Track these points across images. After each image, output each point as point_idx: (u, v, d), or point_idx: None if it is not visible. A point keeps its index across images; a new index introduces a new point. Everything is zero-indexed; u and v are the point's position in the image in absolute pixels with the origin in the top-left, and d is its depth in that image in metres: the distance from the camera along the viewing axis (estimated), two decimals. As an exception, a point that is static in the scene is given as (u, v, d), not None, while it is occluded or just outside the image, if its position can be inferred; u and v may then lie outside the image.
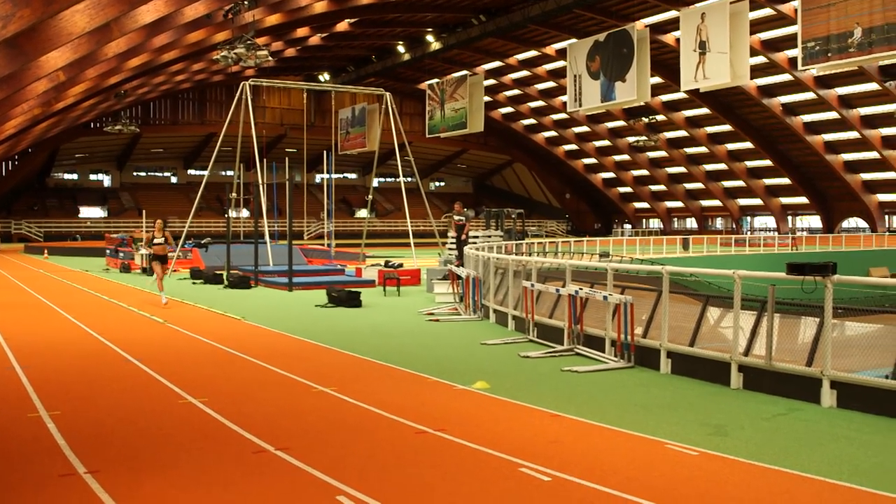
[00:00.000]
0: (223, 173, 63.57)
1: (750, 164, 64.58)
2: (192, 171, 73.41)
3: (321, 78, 62.36)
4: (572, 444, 7.40)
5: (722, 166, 65.94)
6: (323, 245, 40.70)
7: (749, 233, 66.33)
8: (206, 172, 34.43)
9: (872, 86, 49.28)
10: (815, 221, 65.82)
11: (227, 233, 29.93)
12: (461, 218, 23.38)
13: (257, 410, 8.70)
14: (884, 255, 44.44)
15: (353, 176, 79.70)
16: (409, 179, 36.61)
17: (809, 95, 53.11)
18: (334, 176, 45.69)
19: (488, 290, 16.66)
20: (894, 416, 8.13)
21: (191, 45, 35.03)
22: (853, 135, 55.15)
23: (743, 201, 69.45)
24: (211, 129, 64.49)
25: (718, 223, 73.25)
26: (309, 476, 6.43)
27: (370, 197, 38.37)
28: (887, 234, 56.36)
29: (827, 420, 8.24)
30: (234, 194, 32.19)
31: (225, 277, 25.60)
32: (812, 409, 8.66)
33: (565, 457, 6.94)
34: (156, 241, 19.63)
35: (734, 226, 69.96)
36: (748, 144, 61.60)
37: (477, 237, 25.79)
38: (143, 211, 45.76)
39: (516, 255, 22.51)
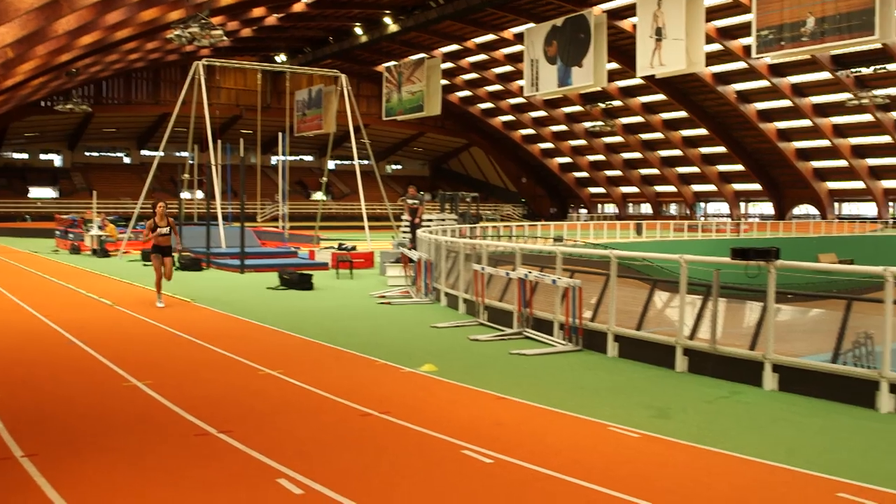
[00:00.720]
0: (177, 154, 62.81)
1: (704, 150, 65.18)
2: (145, 152, 72.35)
3: (277, 59, 61.76)
4: (516, 427, 7.43)
5: (677, 152, 66.47)
6: (277, 227, 40.43)
7: (703, 218, 67.03)
8: (160, 153, 34.01)
9: (825, 75, 49.99)
10: (767, 208, 66.68)
11: (179, 214, 29.59)
12: (415, 201, 23.33)
13: (202, 393, 8.63)
14: (832, 241, 45.17)
15: (309, 158, 79.12)
16: (366, 162, 36.41)
17: (763, 83, 53.70)
18: (290, 158, 45.35)
19: (440, 274, 16.65)
20: (833, 399, 8.27)
21: (144, 23, 34.52)
22: (805, 123, 55.92)
23: (697, 187, 70.10)
24: (165, 109, 63.40)
25: (673, 209, 73.91)
26: (250, 458, 6.39)
27: (325, 179, 38.13)
28: (836, 221, 57.31)
29: (768, 403, 8.36)
30: (186, 175, 31.82)
31: (176, 259, 25.31)
32: (754, 392, 8.79)
33: (508, 439, 6.96)
34: (160, 229, 15.72)
35: (688, 211, 70.64)
36: (703, 131, 62.18)
37: (431, 220, 25.76)
38: (95, 192, 45.06)
39: (469, 238, 22.53)
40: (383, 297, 17.36)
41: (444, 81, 56.91)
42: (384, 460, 6.41)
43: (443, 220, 26.44)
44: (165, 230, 15.78)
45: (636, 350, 10.47)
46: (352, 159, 34.26)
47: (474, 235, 26.01)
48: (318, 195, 42.55)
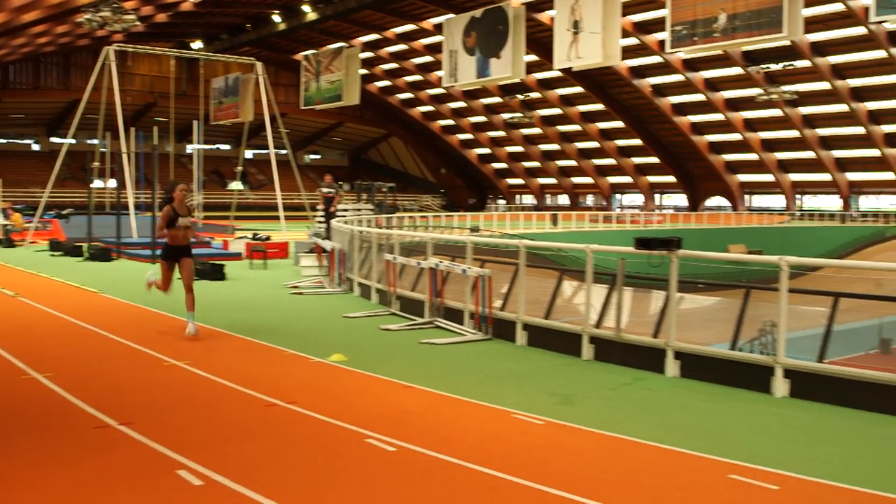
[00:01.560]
0: (88, 142, 61.23)
1: (620, 142, 66.23)
2: (55, 139, 70.23)
3: (193, 45, 60.59)
4: (422, 415, 7.47)
5: (594, 144, 67.40)
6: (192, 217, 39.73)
7: (619, 210, 68.12)
8: (70, 140, 33.15)
9: (736, 70, 51.26)
10: (681, 200, 68.08)
11: (89, 203, 28.90)
12: (330, 190, 23.18)
13: (104, 385, 8.46)
14: (742, 232, 46.47)
15: (226, 147, 77.86)
16: (283, 152, 36.07)
17: (677, 77, 54.79)
18: (205, 147, 44.67)
19: (353, 264, 16.61)
20: (732, 385, 8.51)
21: (53, 5, 33.61)
22: (718, 117, 57.28)
23: (613, 179, 71.20)
24: (76, 95, 61.52)
25: (590, 200, 74.91)
26: (150, 450, 6.29)
27: (240, 168, 37.68)
28: (746, 212, 58.88)
29: (669, 389, 8.56)
30: (97, 163, 31.08)
31: (85, 249, 24.75)
32: (657, 378, 8.98)
33: (413, 427, 6.99)
34: (181, 220, 11.41)
35: (605, 203, 71.69)
36: (619, 123, 63.16)
37: (347, 210, 25.63)
38: (0, 180, 43.68)
39: (385, 228, 22.52)
40: (296, 287, 17.24)
41: (363, 71, 56.66)
42: (286, 450, 6.38)
43: (359, 210, 26.34)
44: (187, 221, 11.55)
45: (544, 338, 10.60)
46: (269, 148, 33.89)
47: (390, 226, 25.98)
48: (235, 185, 41.98)
